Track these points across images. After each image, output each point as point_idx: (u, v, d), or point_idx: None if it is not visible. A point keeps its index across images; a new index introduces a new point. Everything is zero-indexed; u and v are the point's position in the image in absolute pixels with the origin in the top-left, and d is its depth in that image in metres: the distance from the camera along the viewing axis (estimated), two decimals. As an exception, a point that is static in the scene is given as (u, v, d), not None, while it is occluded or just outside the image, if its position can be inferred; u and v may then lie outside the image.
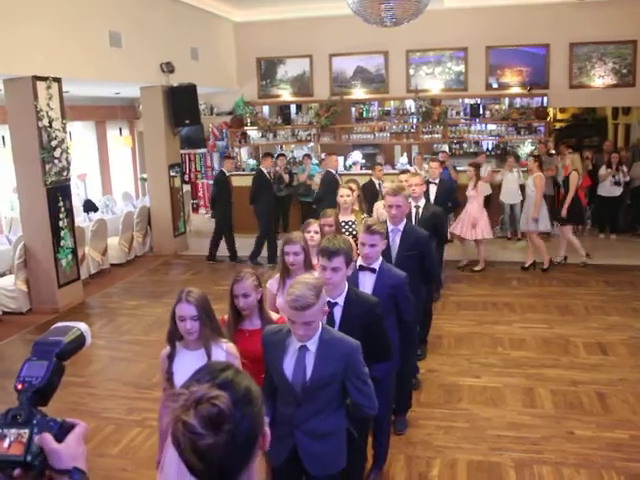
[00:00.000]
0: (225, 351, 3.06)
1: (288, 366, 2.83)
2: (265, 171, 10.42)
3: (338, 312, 3.32)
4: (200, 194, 14.20)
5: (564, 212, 9.27)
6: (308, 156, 12.00)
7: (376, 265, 3.85)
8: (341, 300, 3.32)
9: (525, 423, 4.87)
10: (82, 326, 1.44)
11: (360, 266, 3.85)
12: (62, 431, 1.27)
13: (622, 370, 5.79)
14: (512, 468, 4.27)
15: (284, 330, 2.88)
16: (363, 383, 2.85)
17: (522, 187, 10.09)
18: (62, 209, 8.06)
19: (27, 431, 1.23)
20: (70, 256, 8.24)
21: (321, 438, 2.89)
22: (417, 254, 4.60)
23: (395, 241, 4.66)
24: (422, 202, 6.14)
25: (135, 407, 5.37)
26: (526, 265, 9.34)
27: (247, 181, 12.40)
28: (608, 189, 11.05)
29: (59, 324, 1.45)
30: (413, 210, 5.95)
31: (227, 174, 10.56)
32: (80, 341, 1.43)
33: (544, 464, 4.30)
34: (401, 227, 4.70)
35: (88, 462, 1.29)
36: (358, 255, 3.96)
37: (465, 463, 4.36)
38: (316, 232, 4.45)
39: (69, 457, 1.24)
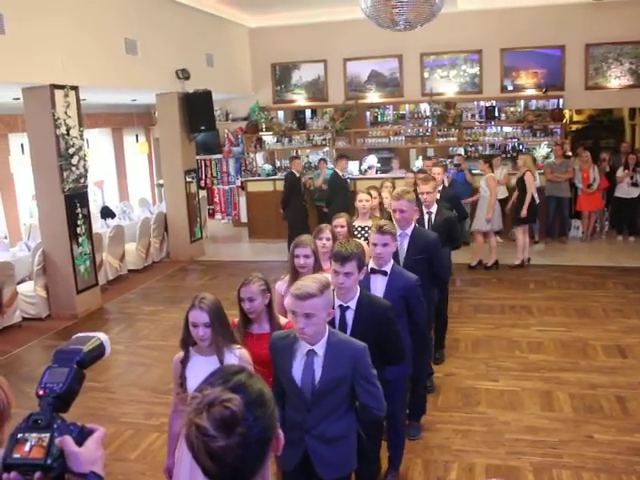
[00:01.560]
0: (238, 357, 3.07)
1: (297, 371, 2.83)
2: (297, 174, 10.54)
3: (350, 316, 3.33)
4: (216, 199, 14.26)
5: (524, 212, 9.42)
6: (324, 161, 12.01)
7: (387, 268, 3.86)
8: (353, 304, 3.33)
9: (543, 427, 4.84)
10: (102, 336, 1.47)
11: (372, 269, 3.86)
12: (82, 435, 1.29)
13: (642, 373, 5.73)
14: (531, 472, 4.25)
15: (292, 335, 2.88)
16: (371, 384, 2.85)
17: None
18: (80, 216, 8.14)
19: (48, 435, 1.24)
20: (88, 262, 8.32)
21: (331, 442, 2.89)
22: (426, 258, 4.57)
23: (403, 245, 4.62)
24: (434, 208, 6.06)
25: (153, 412, 5.40)
26: (472, 264, 9.60)
27: (263, 186, 12.51)
28: (626, 190, 11.01)
29: (80, 334, 1.48)
30: (425, 217, 5.84)
31: (297, 175, 10.59)
32: (100, 350, 1.45)
33: (563, 468, 4.27)
34: (409, 231, 4.66)
35: (108, 466, 1.31)
36: (370, 258, 3.96)
37: (483, 467, 4.34)
38: (328, 239, 4.35)
39: (88, 461, 1.26)
